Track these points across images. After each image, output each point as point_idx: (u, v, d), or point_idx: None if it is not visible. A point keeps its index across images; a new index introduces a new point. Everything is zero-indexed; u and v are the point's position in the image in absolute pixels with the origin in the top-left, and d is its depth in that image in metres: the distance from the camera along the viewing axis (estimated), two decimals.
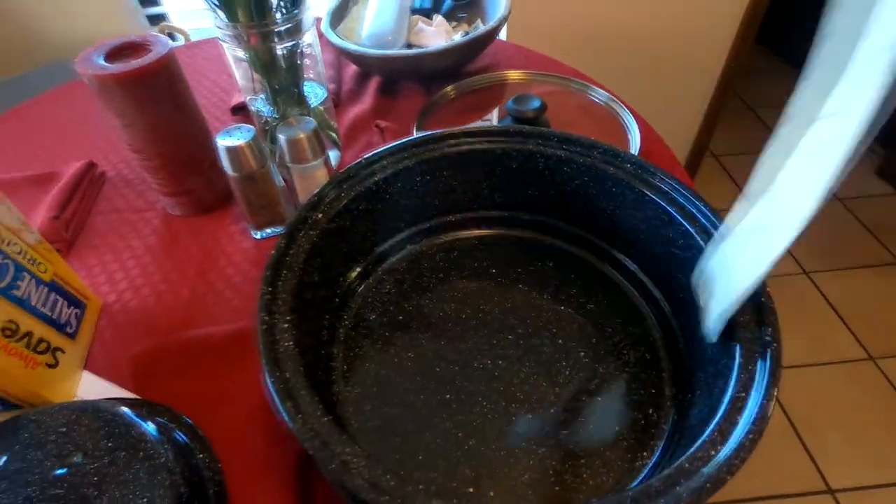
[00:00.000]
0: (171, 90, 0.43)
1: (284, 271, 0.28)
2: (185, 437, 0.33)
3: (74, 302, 0.39)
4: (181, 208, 0.50)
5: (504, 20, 0.62)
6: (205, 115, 0.48)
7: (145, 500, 0.27)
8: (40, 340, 0.34)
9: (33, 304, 0.34)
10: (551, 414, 0.29)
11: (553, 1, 1.06)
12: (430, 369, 0.32)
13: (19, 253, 0.34)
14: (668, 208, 0.30)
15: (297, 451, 0.33)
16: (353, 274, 0.35)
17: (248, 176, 0.42)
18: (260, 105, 0.48)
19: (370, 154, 0.33)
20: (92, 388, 0.37)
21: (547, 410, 0.30)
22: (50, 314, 0.36)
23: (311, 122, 0.42)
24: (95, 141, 0.61)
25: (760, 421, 0.20)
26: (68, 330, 0.37)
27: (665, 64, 1.19)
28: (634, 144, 0.50)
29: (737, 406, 0.21)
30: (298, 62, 0.46)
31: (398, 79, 0.67)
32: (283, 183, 0.48)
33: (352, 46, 0.61)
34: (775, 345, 0.23)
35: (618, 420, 0.29)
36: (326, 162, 0.44)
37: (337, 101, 0.64)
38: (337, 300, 0.33)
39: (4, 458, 0.28)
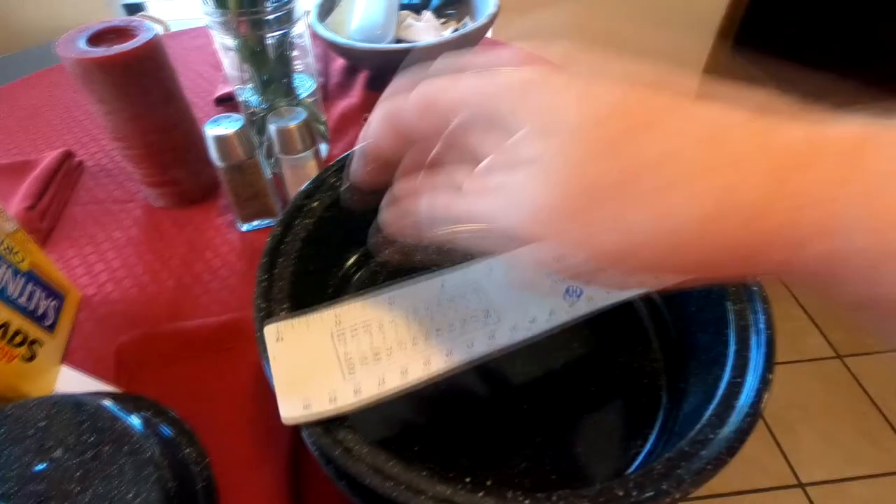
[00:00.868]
0: (156, 77, 0.42)
1: (281, 258, 0.27)
2: (170, 432, 0.32)
3: (53, 293, 0.37)
4: (165, 199, 0.48)
5: (494, 17, 0.62)
6: None
7: (131, 494, 0.26)
8: (17, 333, 0.33)
9: (9, 294, 0.33)
10: (546, 404, 0.30)
11: (540, 3, 1.07)
12: None
13: None
14: None
15: (287, 445, 0.32)
16: (348, 264, 0.35)
17: (236, 166, 0.41)
18: (248, 95, 0.47)
19: (366, 143, 0.33)
20: (71, 382, 0.36)
21: (542, 401, 0.30)
22: (27, 305, 0.34)
23: (302, 113, 0.41)
24: (72, 129, 0.59)
25: (757, 404, 0.21)
26: (46, 322, 0.36)
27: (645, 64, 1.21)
28: None
29: (733, 391, 0.22)
30: (288, 52, 0.46)
31: (386, 73, 0.66)
32: (270, 175, 0.47)
33: (340, 40, 0.60)
34: (769, 332, 0.23)
35: (612, 409, 0.29)
36: (317, 154, 0.44)
37: (325, 94, 0.63)
38: (331, 290, 0.33)
39: None
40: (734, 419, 0.20)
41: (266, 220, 0.46)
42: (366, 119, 0.61)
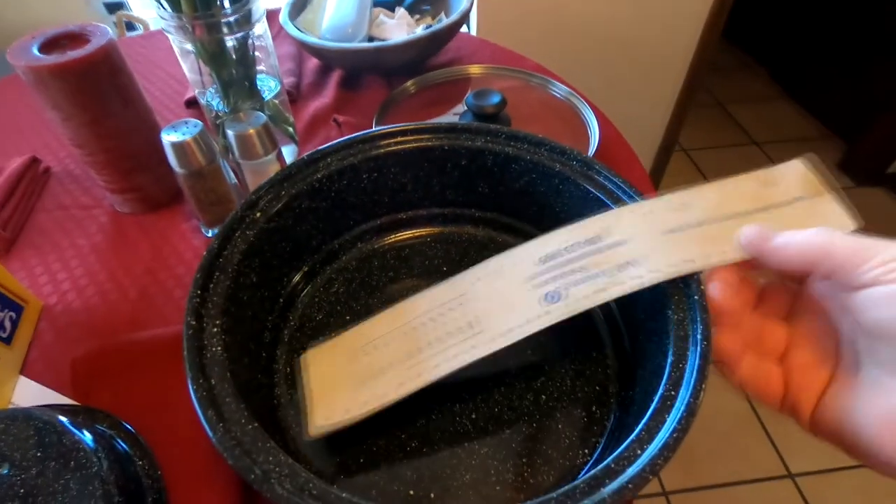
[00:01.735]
0: (112, 82, 0.41)
1: (217, 273, 0.27)
2: (124, 445, 0.32)
3: (10, 305, 0.37)
4: (129, 205, 0.48)
5: (467, 14, 0.61)
6: (158, 108, 0.47)
7: None
8: None
9: None
10: (495, 413, 0.29)
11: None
12: None
13: None
14: (613, 206, 0.30)
15: None
16: (299, 274, 0.34)
17: (196, 172, 0.41)
18: (210, 98, 0.47)
19: (313, 151, 0.33)
20: (28, 394, 0.36)
21: (492, 410, 0.29)
22: None
23: (262, 117, 0.41)
24: (41, 134, 0.58)
25: (687, 419, 0.21)
26: (2, 334, 0.36)
27: (634, 58, 1.20)
28: (593, 139, 0.51)
29: (666, 404, 0.22)
30: (250, 54, 0.45)
31: (359, 72, 0.65)
32: (235, 180, 0.47)
33: (311, 39, 0.59)
34: (705, 343, 0.23)
35: (561, 418, 0.29)
36: (280, 157, 0.43)
37: (297, 95, 0.62)
38: (282, 300, 0.33)
39: None
40: (662, 435, 0.20)
41: None
42: (335, 119, 0.61)
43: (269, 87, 0.49)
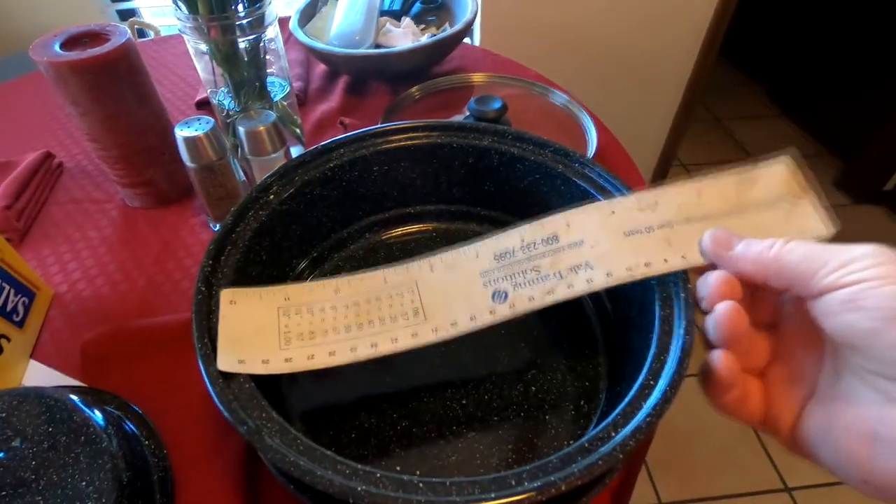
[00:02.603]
0: (129, 80, 0.43)
1: (229, 247, 0.28)
2: (131, 425, 0.33)
3: (23, 290, 0.38)
4: (140, 200, 0.49)
5: (470, 24, 0.63)
6: (170, 108, 0.48)
7: (85, 483, 0.27)
8: None
9: None
10: (485, 401, 0.30)
11: (528, 10, 1.09)
12: None
13: None
14: None
15: (243, 440, 0.33)
16: (307, 259, 0.36)
17: (207, 167, 0.42)
18: (221, 98, 0.49)
19: (327, 142, 0.34)
20: (39, 376, 0.37)
21: (482, 397, 0.30)
22: None
23: (272, 115, 0.42)
24: (54, 131, 0.60)
25: (662, 405, 0.21)
26: (15, 318, 0.37)
27: (634, 73, 1.22)
28: (591, 145, 0.52)
29: (644, 393, 0.22)
30: (261, 56, 0.47)
31: (365, 78, 0.67)
32: (244, 177, 0.48)
33: (319, 45, 0.61)
34: (687, 337, 0.24)
35: (549, 409, 0.30)
36: (287, 155, 0.44)
37: (304, 98, 0.64)
38: (288, 282, 0.34)
39: None
40: (636, 420, 0.21)
41: None
42: (341, 122, 0.62)
43: (278, 88, 0.51)
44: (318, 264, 0.36)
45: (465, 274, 0.27)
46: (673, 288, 0.26)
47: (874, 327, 0.18)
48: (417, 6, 0.72)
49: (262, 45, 0.46)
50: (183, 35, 0.44)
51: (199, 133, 0.41)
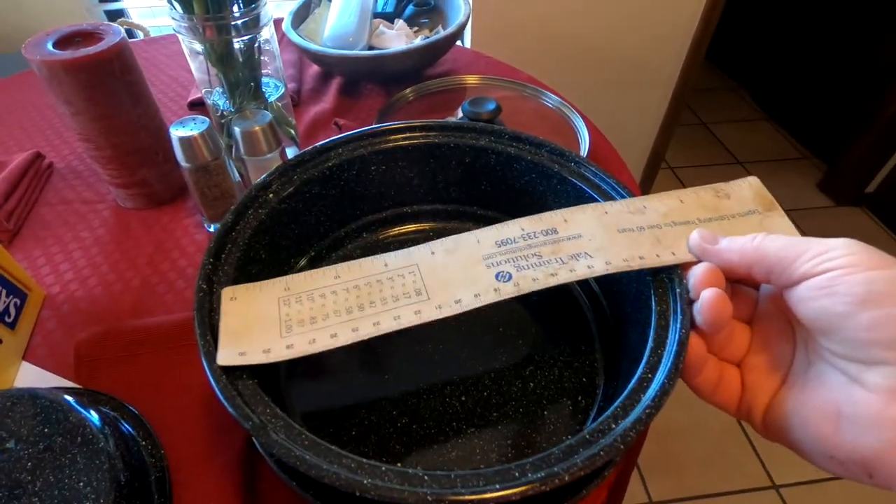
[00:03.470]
0: (122, 79, 0.42)
1: (229, 245, 0.28)
2: (127, 425, 0.33)
3: (14, 291, 0.38)
4: (133, 200, 0.49)
5: (463, 26, 0.64)
6: (162, 109, 0.48)
7: (82, 483, 0.27)
8: None
9: None
10: (484, 397, 0.31)
11: (517, 13, 1.10)
12: (371, 349, 0.33)
13: None
14: None
15: (241, 439, 0.33)
16: (306, 258, 0.36)
17: (202, 167, 0.42)
18: (216, 98, 0.48)
19: (325, 141, 0.34)
20: (32, 378, 0.36)
21: (481, 393, 0.31)
22: None
23: (267, 115, 0.42)
24: (43, 131, 0.59)
25: (660, 397, 0.22)
26: (7, 319, 0.36)
27: (622, 75, 1.24)
28: (583, 146, 0.53)
29: (643, 386, 0.23)
30: (256, 57, 0.47)
31: (359, 80, 0.68)
32: (238, 178, 0.48)
33: (313, 46, 0.61)
34: (683, 331, 0.24)
35: (547, 405, 0.30)
36: (282, 155, 0.44)
37: (297, 100, 0.64)
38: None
39: None
40: (636, 412, 0.21)
41: None
42: (336, 123, 0.62)
43: (273, 89, 0.51)
44: (316, 263, 0.36)
45: (466, 257, 0.28)
46: (668, 283, 0.27)
47: (845, 311, 0.20)
48: (410, 8, 0.72)
49: (257, 45, 0.46)
50: (178, 35, 0.44)
51: (195, 133, 0.40)
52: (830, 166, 1.70)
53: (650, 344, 0.25)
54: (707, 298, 0.24)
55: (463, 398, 0.30)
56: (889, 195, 1.55)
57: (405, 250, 0.29)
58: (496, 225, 0.29)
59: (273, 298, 0.26)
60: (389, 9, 0.72)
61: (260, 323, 0.25)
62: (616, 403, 0.22)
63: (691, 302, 0.25)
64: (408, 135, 0.36)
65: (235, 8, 0.43)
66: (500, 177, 0.38)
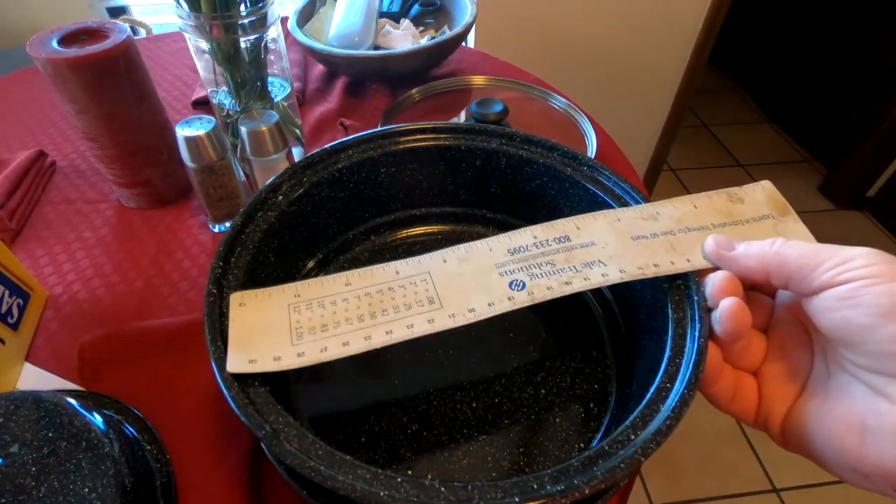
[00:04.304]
0: (128, 78, 0.42)
1: (239, 248, 0.28)
2: (132, 429, 0.32)
3: (17, 292, 0.37)
4: (136, 200, 0.48)
5: (470, 26, 0.63)
6: (166, 108, 0.48)
7: (87, 489, 0.26)
8: None
9: None
10: (495, 403, 0.30)
11: (521, 13, 1.09)
12: (380, 354, 0.32)
13: None
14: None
15: (247, 443, 0.32)
16: (314, 260, 0.35)
17: (207, 167, 0.42)
18: (222, 98, 0.48)
19: (335, 143, 0.34)
20: (34, 380, 0.36)
21: (492, 400, 0.30)
22: None
23: (274, 115, 0.42)
24: (47, 130, 0.59)
25: (680, 408, 0.21)
26: (9, 320, 0.36)
27: (625, 77, 1.23)
28: (591, 149, 0.52)
29: (661, 395, 0.22)
30: (262, 56, 0.46)
31: (364, 80, 0.67)
32: (244, 178, 0.47)
33: (318, 46, 0.61)
34: (702, 340, 0.24)
35: (559, 412, 0.30)
36: (289, 156, 0.44)
37: (302, 99, 0.64)
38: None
39: None
40: (656, 422, 0.21)
41: None
42: (342, 123, 0.62)
43: (279, 89, 0.50)
44: (324, 266, 0.36)
45: (479, 265, 0.28)
46: (685, 291, 0.26)
47: (869, 323, 0.19)
48: (416, 8, 0.72)
49: (263, 45, 0.46)
50: (183, 33, 0.43)
51: (201, 132, 0.40)
52: (831, 170, 1.70)
53: (668, 353, 0.24)
54: (727, 308, 0.23)
55: (474, 404, 0.30)
56: (890, 199, 1.55)
57: (416, 258, 0.28)
58: (508, 232, 0.29)
59: (283, 305, 0.26)
60: (395, 8, 0.71)
61: (270, 330, 0.25)
62: (634, 413, 0.22)
63: (709, 310, 0.25)
64: (418, 137, 0.35)
65: (243, 7, 0.42)
66: (510, 180, 0.37)
